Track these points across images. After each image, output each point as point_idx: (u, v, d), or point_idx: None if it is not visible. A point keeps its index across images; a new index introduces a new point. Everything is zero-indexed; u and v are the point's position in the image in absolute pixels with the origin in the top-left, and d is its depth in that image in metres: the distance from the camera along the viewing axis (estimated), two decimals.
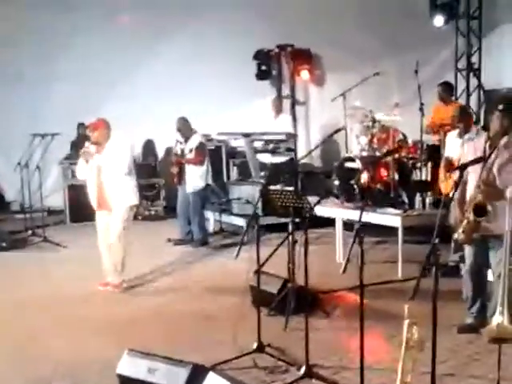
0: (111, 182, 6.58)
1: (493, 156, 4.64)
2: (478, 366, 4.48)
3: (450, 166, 6.37)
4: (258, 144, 10.43)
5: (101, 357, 4.71)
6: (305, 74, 12.05)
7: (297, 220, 5.54)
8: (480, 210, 4.55)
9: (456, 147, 6.24)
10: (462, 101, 10.47)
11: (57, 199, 11.52)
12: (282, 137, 10.33)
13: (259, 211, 6.61)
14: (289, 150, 10.55)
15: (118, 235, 6.63)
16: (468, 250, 5.11)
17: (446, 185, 6.50)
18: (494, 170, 4.65)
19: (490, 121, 4.90)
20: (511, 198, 3.82)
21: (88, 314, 5.92)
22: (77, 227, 10.58)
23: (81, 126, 11.68)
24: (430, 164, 8.19)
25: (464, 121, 6.57)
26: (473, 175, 4.72)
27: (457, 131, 6.62)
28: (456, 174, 4.91)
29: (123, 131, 11.17)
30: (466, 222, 4.75)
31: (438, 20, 10.85)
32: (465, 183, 4.81)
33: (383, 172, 7.58)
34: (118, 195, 6.59)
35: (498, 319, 3.43)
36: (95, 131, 6.68)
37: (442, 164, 6.68)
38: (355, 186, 7.61)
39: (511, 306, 3.57)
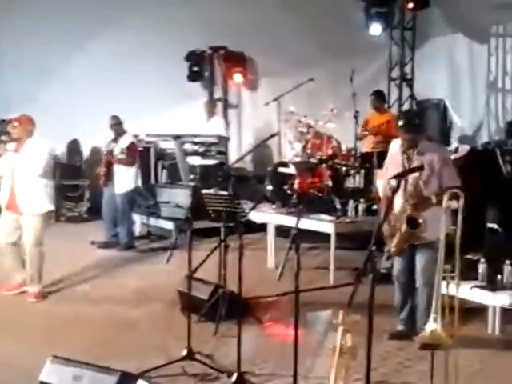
0: (24, 183, 6.31)
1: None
2: (409, 372, 4.59)
3: None
4: (189, 146, 10.37)
5: (22, 365, 4.57)
6: (238, 77, 12.07)
7: (229, 225, 5.53)
8: (413, 222, 4.72)
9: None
10: (394, 110, 10.72)
11: None
12: (214, 140, 10.30)
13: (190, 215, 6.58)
14: (220, 153, 10.54)
15: (35, 244, 6.37)
16: (396, 258, 5.27)
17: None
18: (420, 181, 4.84)
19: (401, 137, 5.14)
20: (446, 207, 3.93)
21: (5, 321, 5.73)
22: None
23: (1, 122, 11.36)
24: (362, 171, 8.36)
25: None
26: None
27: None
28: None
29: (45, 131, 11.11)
30: (398, 234, 4.90)
31: (375, 29, 11.08)
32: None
33: (317, 178, 7.67)
34: (31, 199, 6.31)
35: (431, 326, 3.52)
36: (16, 127, 6.42)
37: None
38: (289, 192, 7.68)
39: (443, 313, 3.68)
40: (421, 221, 4.76)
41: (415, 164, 4.85)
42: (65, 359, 3.92)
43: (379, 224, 4.21)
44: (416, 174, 4.78)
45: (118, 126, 8.89)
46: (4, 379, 4.39)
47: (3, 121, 11.30)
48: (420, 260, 5.07)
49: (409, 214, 4.80)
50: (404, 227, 4.82)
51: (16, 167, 6.32)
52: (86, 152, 11.88)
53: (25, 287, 6.49)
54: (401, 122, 5.18)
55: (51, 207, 6.58)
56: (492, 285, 5.47)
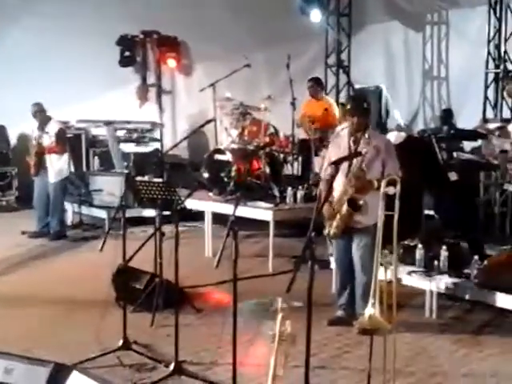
0: None
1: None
2: (348, 357, 4.69)
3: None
4: (121, 133, 10.25)
5: None
6: (171, 63, 11.97)
7: (165, 213, 5.51)
8: (354, 204, 4.83)
9: None
10: (332, 97, 10.86)
11: None
12: (147, 126, 10.22)
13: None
14: (154, 139, 10.46)
15: None
16: (335, 243, 5.37)
17: None
18: (363, 164, 4.94)
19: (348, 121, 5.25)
20: (383, 193, 4.02)
21: None
22: None
23: None
24: (300, 158, 8.45)
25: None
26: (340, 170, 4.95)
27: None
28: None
29: None
30: (338, 216, 5.00)
31: (315, 15, 11.15)
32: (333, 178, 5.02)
33: (254, 165, 7.72)
34: None
35: (370, 311, 3.59)
36: None
37: None
38: (226, 179, 7.70)
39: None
40: (361, 203, 4.87)
41: (362, 148, 4.93)
42: None
43: (318, 208, 4.26)
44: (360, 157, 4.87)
45: (40, 113, 8.64)
46: None
47: None
48: (357, 245, 5.18)
49: (350, 195, 4.90)
50: (345, 208, 4.91)
51: None
52: (13, 139, 11.58)
53: None
54: (350, 105, 5.33)
55: None
56: (429, 270, 5.64)
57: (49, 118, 8.69)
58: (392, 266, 3.99)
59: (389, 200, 4.09)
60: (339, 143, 5.35)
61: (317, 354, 4.52)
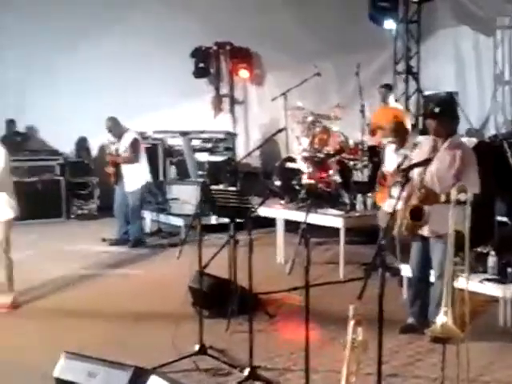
0: None
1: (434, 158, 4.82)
2: (420, 366, 4.59)
3: (383, 180, 6.56)
4: (196, 143, 10.39)
5: (35, 361, 4.60)
6: (244, 73, 12.07)
7: (238, 220, 5.53)
8: (416, 214, 4.69)
9: (392, 161, 6.44)
10: (401, 104, 10.69)
11: None
12: (221, 136, 10.33)
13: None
14: (227, 149, 10.55)
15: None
16: (412, 251, 5.24)
17: (379, 196, 6.66)
18: (433, 171, 4.80)
19: (428, 125, 5.08)
20: (456, 200, 3.92)
21: (20, 317, 5.79)
22: None
23: (10, 122, 11.42)
24: (370, 165, 8.34)
25: (399, 135, 6.68)
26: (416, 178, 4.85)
27: (394, 145, 6.74)
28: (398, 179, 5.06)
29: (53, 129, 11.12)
30: (404, 222, 4.87)
31: (389, 24, 11.06)
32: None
33: (325, 173, 7.67)
34: None
35: (442, 319, 3.51)
36: None
37: (378, 175, 6.84)
38: (297, 187, 7.68)
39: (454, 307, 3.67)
40: (426, 212, 4.72)
41: (440, 156, 4.78)
42: (78, 355, 3.92)
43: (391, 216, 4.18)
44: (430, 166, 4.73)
45: (114, 128, 8.83)
46: (17, 376, 4.41)
47: (12, 121, 11.43)
48: (434, 253, 5.02)
49: (413, 205, 4.75)
50: (408, 216, 4.79)
51: None
52: (94, 149, 11.91)
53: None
54: (430, 108, 5.13)
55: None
56: (502, 277, 5.46)
57: (125, 129, 8.87)
58: (464, 274, 3.89)
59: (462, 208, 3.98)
60: (423, 149, 5.17)
61: (388, 362, 4.45)
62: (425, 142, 5.30)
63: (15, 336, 5.32)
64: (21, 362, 4.65)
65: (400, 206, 4.86)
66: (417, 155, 5.16)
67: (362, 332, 3.67)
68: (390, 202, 6.38)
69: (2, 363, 4.66)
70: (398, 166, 5.86)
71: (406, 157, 5.69)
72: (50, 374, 3.83)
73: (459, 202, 3.91)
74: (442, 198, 4.64)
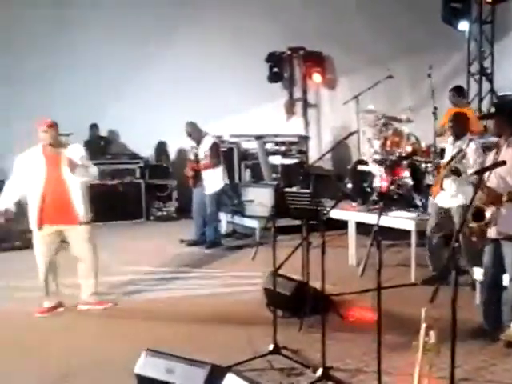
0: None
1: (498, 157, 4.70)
2: (493, 371, 4.46)
3: (437, 171, 6.43)
4: (270, 146, 10.45)
5: (117, 357, 4.75)
6: (317, 77, 12.04)
7: (311, 222, 5.53)
8: (478, 215, 4.55)
9: (449, 153, 6.36)
10: (474, 105, 10.44)
11: None
12: (294, 139, 10.34)
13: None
14: (300, 152, 10.56)
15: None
16: (485, 255, 5.10)
17: (434, 190, 6.51)
18: (501, 172, 4.68)
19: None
20: None
21: (104, 314, 5.97)
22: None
23: (93, 126, 11.79)
24: None
25: (457, 126, 6.49)
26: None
27: (452, 137, 6.58)
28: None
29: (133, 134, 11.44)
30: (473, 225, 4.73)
31: (463, 25, 10.81)
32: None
33: (397, 175, 7.57)
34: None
35: None
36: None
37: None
38: (368, 189, 7.62)
39: None
40: (488, 214, 4.58)
41: (502, 157, 4.68)
42: (158, 352, 4.03)
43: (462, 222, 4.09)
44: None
45: (193, 132, 8.91)
46: (102, 373, 4.57)
47: (95, 125, 11.79)
48: (506, 255, 4.88)
49: (476, 206, 4.57)
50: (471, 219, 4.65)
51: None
52: (173, 153, 12.16)
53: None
54: (493, 108, 5.03)
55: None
56: None
57: (204, 134, 8.98)
58: None
59: None
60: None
61: (461, 366, 4.34)
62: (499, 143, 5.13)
63: (98, 335, 5.50)
64: (104, 359, 4.80)
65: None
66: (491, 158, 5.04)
67: (434, 335, 3.64)
68: (442, 195, 6.27)
69: (87, 360, 4.83)
70: (452, 158, 5.76)
71: (460, 150, 5.59)
72: (131, 370, 3.93)
73: None
74: (504, 198, 4.51)
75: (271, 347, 4.73)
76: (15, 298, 6.44)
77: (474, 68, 11.23)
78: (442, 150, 8.22)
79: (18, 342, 5.27)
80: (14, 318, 5.85)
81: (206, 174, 8.82)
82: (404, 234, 7.17)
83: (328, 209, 5.05)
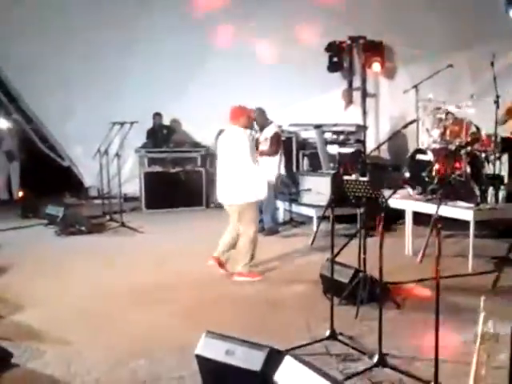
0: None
1: None
2: None
3: None
4: (328, 135, 10.39)
5: (177, 338, 4.85)
6: (376, 66, 11.88)
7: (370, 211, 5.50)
8: None
9: None
10: None
11: (133, 186, 11.80)
12: (352, 128, 10.25)
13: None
14: (358, 141, 10.47)
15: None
16: None
17: None
18: None
19: None
20: None
21: (167, 297, 6.08)
22: (151, 214, 10.85)
23: (157, 115, 11.97)
24: (504, 157, 7.99)
25: None
26: None
27: None
28: None
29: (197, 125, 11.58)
30: None
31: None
32: None
33: (456, 165, 7.44)
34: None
35: None
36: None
37: None
38: (427, 179, 7.51)
39: None
40: None
41: None
42: (218, 334, 4.08)
43: None
44: None
45: (259, 118, 8.94)
46: (159, 352, 4.67)
47: (158, 114, 11.96)
48: None
49: None
50: None
51: None
52: None
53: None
54: None
55: None
56: None
57: (269, 122, 9.03)
58: None
59: None
60: None
61: None
62: None
63: (162, 315, 5.61)
64: (166, 340, 4.91)
65: None
66: None
67: (493, 324, 3.58)
68: None
69: (149, 340, 4.95)
70: None
71: None
72: (192, 351, 4.01)
73: None
74: None
75: (328, 333, 4.74)
76: None
77: None
78: (503, 139, 8.06)
79: None
80: None
81: (263, 162, 8.83)
82: (461, 224, 7.06)
83: (386, 197, 5.02)
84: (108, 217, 10.05)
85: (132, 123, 9.80)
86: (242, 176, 6.59)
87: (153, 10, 11.28)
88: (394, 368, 4.21)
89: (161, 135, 11.97)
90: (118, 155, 9.75)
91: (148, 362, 4.52)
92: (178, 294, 6.20)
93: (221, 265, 6.79)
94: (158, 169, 11.49)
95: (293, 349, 4.41)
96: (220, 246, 6.86)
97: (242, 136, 6.67)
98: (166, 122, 12.22)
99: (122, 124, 9.88)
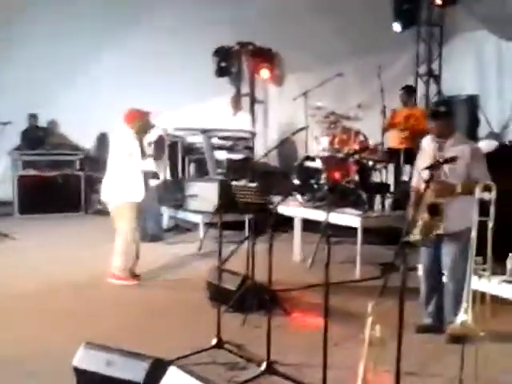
0: None
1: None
2: (437, 365, 4.56)
3: None
4: (216, 141, 10.41)
5: (51, 349, 4.67)
6: (265, 73, 12.07)
7: (258, 218, 5.55)
8: (434, 209, 4.66)
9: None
10: (421, 106, 10.64)
11: (5, 190, 11.27)
12: (241, 134, 10.33)
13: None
14: (246, 147, 10.56)
15: None
16: (423, 251, 5.21)
17: None
18: (446, 168, 4.83)
19: (432, 125, 5.09)
20: (478, 199, 3.91)
21: (45, 306, 5.86)
22: (25, 219, 10.41)
23: (32, 116, 11.52)
24: (390, 166, 8.32)
25: None
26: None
27: None
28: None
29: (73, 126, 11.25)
30: (421, 222, 4.82)
31: (397, 26, 11.02)
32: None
33: (344, 172, 7.65)
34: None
35: (462, 317, 3.49)
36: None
37: None
38: (316, 186, 7.68)
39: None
40: (441, 208, 4.68)
41: (448, 154, 4.80)
42: (97, 345, 3.96)
43: (410, 215, 4.16)
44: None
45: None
46: (41, 366, 4.46)
47: (33, 115, 11.53)
48: (447, 253, 5.02)
49: (431, 201, 4.67)
50: (425, 215, 4.75)
51: None
52: None
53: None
54: (430, 110, 5.29)
55: None
56: None
57: (152, 125, 8.88)
58: (485, 275, 3.87)
59: (480, 206, 3.98)
60: (426, 151, 5.19)
61: (405, 360, 4.38)
62: (426, 143, 5.26)
63: (33, 325, 5.36)
64: (38, 351, 4.69)
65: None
66: (420, 158, 5.21)
67: (379, 329, 3.68)
68: None
69: (19, 351, 4.70)
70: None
71: None
72: (69, 363, 3.85)
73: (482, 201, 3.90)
74: (458, 188, 4.69)
75: (214, 341, 4.70)
76: None
77: (423, 69, 11.46)
78: (389, 149, 8.40)
79: None
80: None
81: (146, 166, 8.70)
82: (348, 231, 7.25)
83: (275, 203, 5.07)
84: None
85: (5, 124, 9.39)
86: (120, 175, 6.73)
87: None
88: (282, 375, 4.24)
89: (36, 137, 11.52)
90: None
91: (20, 374, 4.28)
92: (51, 302, 5.99)
93: (135, 277, 6.76)
94: (32, 172, 11.05)
95: (178, 359, 4.33)
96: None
97: (124, 136, 6.81)
98: (43, 123, 11.80)
99: None
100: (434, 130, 5.04)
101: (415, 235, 4.86)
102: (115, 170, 6.76)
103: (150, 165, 8.64)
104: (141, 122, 6.90)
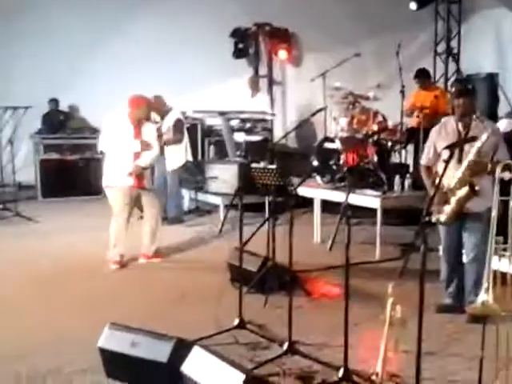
0: None
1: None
2: (457, 345, 4.57)
3: None
4: (235, 123, 10.41)
5: (78, 330, 4.74)
6: (282, 54, 12.03)
7: (278, 199, 5.56)
8: (473, 188, 4.65)
9: None
10: (440, 85, 10.56)
11: (28, 174, 11.38)
12: (259, 116, 10.32)
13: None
14: (265, 129, 10.56)
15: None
16: (444, 231, 5.19)
17: None
18: (466, 148, 4.76)
19: (459, 104, 5.02)
20: (498, 178, 3.88)
21: (69, 288, 5.94)
22: (48, 202, 10.51)
23: (53, 101, 11.59)
24: (409, 146, 8.28)
25: None
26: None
27: None
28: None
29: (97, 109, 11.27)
30: (454, 202, 4.78)
31: (413, 5, 10.91)
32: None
33: (363, 153, 7.63)
34: None
35: (483, 297, 3.48)
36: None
37: None
38: (335, 167, 7.67)
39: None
40: (478, 188, 4.67)
41: (474, 131, 4.76)
42: (122, 326, 4.02)
43: (431, 195, 4.11)
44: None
45: (157, 106, 8.76)
46: (62, 345, 4.54)
47: (54, 100, 11.58)
48: (469, 234, 5.00)
49: (469, 180, 4.67)
50: (464, 192, 4.69)
51: None
52: None
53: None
54: (455, 88, 5.21)
55: None
56: None
57: (169, 109, 8.90)
58: (508, 253, 3.84)
59: (502, 186, 3.95)
60: (447, 130, 5.10)
61: (425, 340, 4.40)
62: (449, 123, 5.20)
63: (60, 306, 5.45)
64: (65, 332, 4.77)
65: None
66: (439, 137, 5.12)
67: (400, 310, 3.70)
68: None
69: (47, 332, 4.79)
70: None
71: None
72: (94, 343, 3.92)
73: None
74: (489, 166, 4.60)
75: (236, 322, 4.75)
76: None
77: (441, 48, 11.35)
78: (408, 129, 8.34)
79: None
80: None
81: (167, 150, 8.74)
82: (368, 212, 7.25)
83: (295, 185, 5.07)
84: (1, 206, 9.65)
85: (26, 108, 9.46)
86: (106, 160, 6.82)
87: None
88: (303, 355, 4.27)
89: (57, 121, 11.60)
90: (10, 142, 9.44)
91: (46, 355, 4.36)
92: (76, 284, 6.06)
93: (150, 257, 6.87)
94: (54, 156, 11.14)
95: (200, 339, 4.38)
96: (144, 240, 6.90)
97: (116, 120, 6.82)
98: (64, 107, 11.87)
99: (15, 109, 9.49)
100: (461, 107, 4.94)
101: (444, 215, 4.83)
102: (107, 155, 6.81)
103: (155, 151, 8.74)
104: (146, 108, 6.82)
